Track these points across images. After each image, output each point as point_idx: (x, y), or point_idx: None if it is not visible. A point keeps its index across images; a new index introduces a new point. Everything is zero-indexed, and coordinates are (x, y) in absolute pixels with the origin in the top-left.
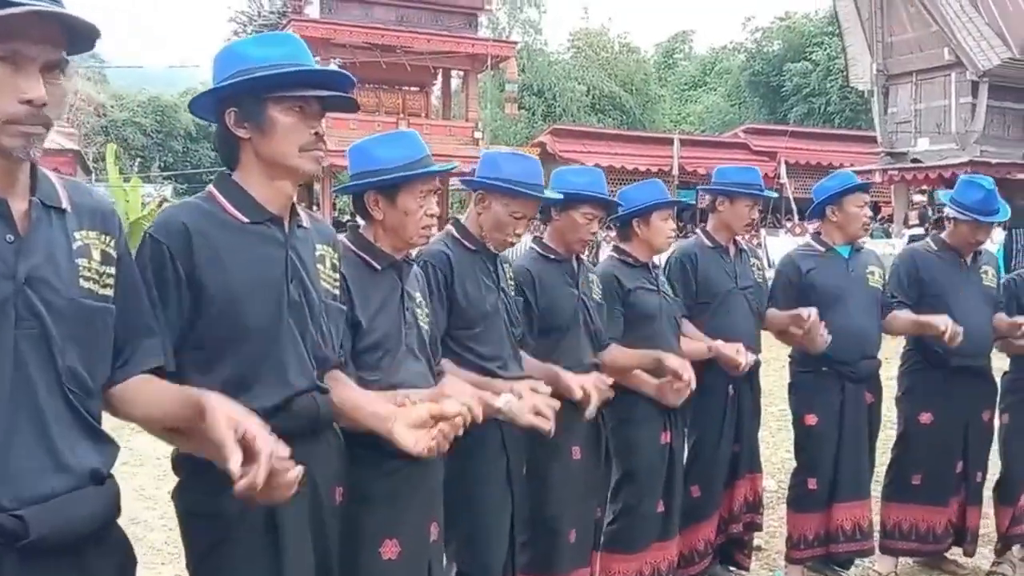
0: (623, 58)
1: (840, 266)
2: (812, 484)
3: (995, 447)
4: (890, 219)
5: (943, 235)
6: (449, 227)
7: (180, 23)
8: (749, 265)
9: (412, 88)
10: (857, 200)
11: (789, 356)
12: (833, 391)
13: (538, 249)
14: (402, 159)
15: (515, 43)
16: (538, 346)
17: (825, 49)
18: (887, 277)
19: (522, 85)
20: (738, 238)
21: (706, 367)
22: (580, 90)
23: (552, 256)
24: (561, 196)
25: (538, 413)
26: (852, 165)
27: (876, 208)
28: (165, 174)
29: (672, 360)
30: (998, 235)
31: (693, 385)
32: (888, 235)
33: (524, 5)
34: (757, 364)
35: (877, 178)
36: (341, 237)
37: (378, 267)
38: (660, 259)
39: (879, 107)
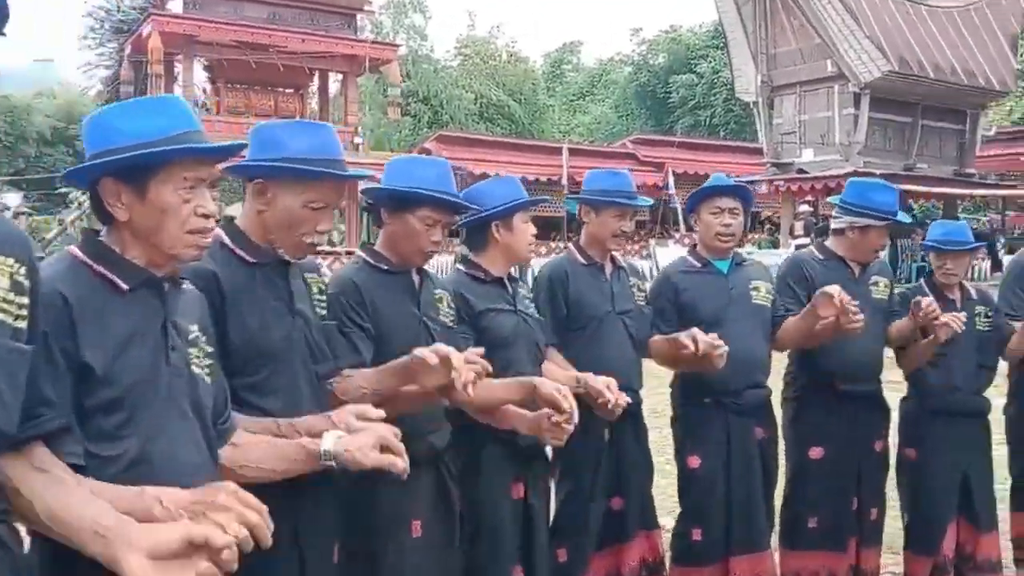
0: (511, 67)
1: (719, 283)
2: (697, 535)
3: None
4: (778, 228)
5: (828, 243)
6: (218, 231)
7: (33, 17)
8: (628, 285)
9: (286, 90)
10: (711, 206)
11: (669, 386)
12: (718, 426)
13: (367, 257)
14: (154, 132)
15: (397, 45)
16: None
17: (710, 62)
18: (775, 289)
19: (408, 91)
20: (616, 254)
21: (582, 402)
22: (468, 98)
23: (385, 267)
24: (369, 174)
25: (385, 448)
26: (739, 176)
27: (755, 217)
28: (12, 179)
29: (547, 387)
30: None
31: (575, 418)
32: (775, 246)
33: (409, 10)
34: (638, 403)
35: (764, 189)
36: (70, 247)
37: (125, 286)
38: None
39: (764, 118)
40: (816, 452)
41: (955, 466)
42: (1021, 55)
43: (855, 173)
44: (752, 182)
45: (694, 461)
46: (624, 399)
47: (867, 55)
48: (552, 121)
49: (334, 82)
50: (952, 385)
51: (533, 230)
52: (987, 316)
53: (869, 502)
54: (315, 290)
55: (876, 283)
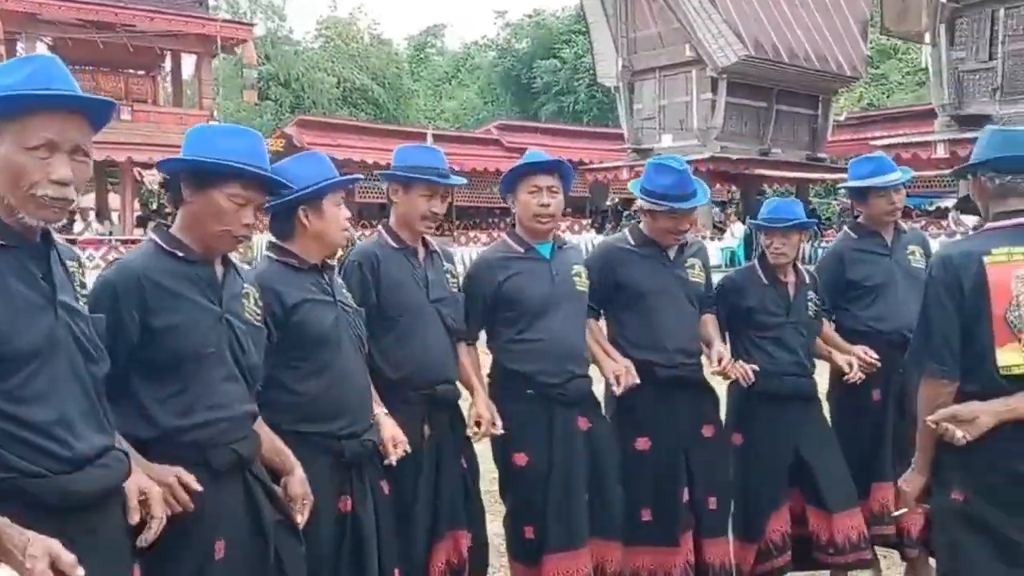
0: (374, 50)
1: (542, 270)
2: (529, 532)
3: None
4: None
5: (641, 226)
6: None
7: None
8: (442, 271)
9: (137, 71)
10: (528, 185)
11: (488, 376)
12: (542, 420)
13: (159, 241)
14: None
15: (252, 25)
16: (154, 390)
17: (573, 47)
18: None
19: (268, 75)
20: (428, 237)
21: (398, 398)
22: (330, 82)
23: (181, 254)
24: (106, 101)
25: None
26: (602, 161)
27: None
28: None
29: (295, 486)
30: (739, 229)
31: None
32: None
33: None
34: (456, 396)
35: (625, 174)
36: None
37: None
38: None
39: (625, 103)
40: (642, 442)
41: (784, 449)
42: (870, 41)
43: (712, 158)
44: (615, 168)
45: (520, 458)
46: (402, 450)
47: (724, 39)
48: (417, 106)
49: (188, 64)
50: (780, 368)
51: (346, 213)
52: (816, 303)
53: (705, 490)
54: (76, 282)
55: (692, 266)
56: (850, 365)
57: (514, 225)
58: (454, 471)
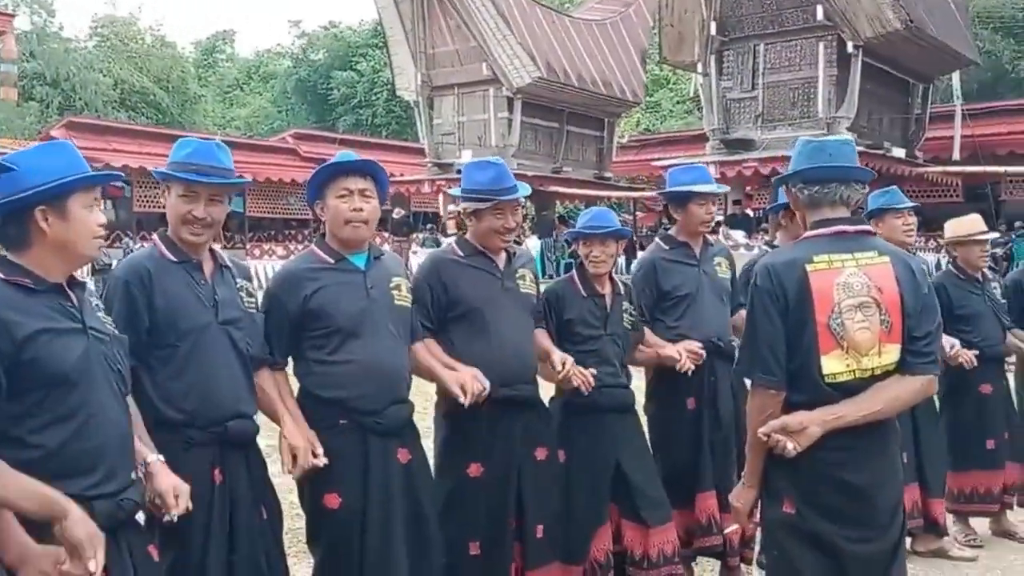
0: (157, 52)
1: (356, 282)
2: None
3: None
4: (440, 227)
5: (468, 236)
6: None
7: None
8: (235, 288)
9: None
10: (337, 188)
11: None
12: (356, 453)
13: None
14: None
15: (11, 16)
16: None
17: (370, 61)
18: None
19: (32, 73)
20: (217, 249)
21: (180, 440)
22: (106, 83)
23: None
24: None
25: None
26: (402, 175)
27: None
28: None
29: (77, 529)
30: (534, 243)
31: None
32: (438, 244)
33: None
34: (254, 432)
35: (426, 188)
36: None
37: None
38: None
39: (425, 118)
40: (475, 468)
41: (605, 463)
42: (647, 71)
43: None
44: (416, 181)
45: (332, 499)
46: (185, 504)
47: (519, 60)
48: (205, 112)
49: None
50: (598, 381)
51: (101, 219)
52: (631, 313)
53: (532, 518)
54: None
55: (522, 276)
56: (679, 354)
57: (323, 235)
58: (252, 523)
